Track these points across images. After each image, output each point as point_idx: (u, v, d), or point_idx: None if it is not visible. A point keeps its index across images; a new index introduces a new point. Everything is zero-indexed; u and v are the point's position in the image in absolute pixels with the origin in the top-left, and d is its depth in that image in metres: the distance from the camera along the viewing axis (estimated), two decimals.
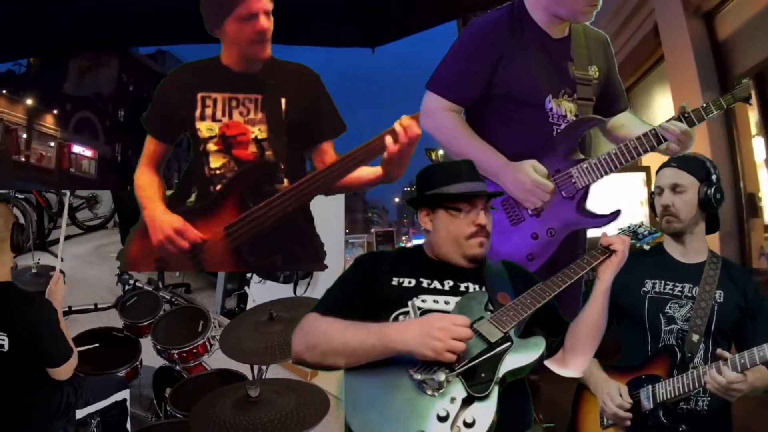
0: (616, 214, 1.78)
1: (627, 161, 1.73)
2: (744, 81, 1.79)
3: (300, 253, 1.98)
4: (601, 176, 1.73)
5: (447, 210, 1.40)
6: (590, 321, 1.35)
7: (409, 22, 5.00)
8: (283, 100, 1.91)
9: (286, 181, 1.90)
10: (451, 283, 1.39)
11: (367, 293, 1.39)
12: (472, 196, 1.39)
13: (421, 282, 1.39)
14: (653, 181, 1.74)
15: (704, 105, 1.74)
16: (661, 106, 4.91)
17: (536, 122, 1.76)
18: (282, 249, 1.92)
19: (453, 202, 1.40)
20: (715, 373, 1.41)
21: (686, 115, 1.72)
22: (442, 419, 1.14)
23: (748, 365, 1.40)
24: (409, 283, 1.39)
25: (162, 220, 1.88)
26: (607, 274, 1.36)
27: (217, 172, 1.91)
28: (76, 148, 27.78)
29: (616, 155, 1.72)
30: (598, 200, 1.85)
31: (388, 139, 1.84)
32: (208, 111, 1.89)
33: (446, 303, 1.35)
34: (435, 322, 1.20)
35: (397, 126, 1.84)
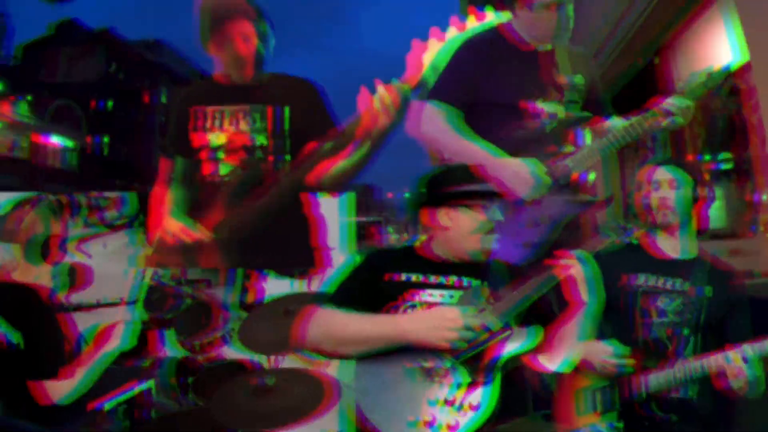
0: (609, 200, 1.84)
1: (625, 142, 1.73)
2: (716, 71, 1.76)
3: (290, 253, 1.88)
4: (596, 161, 1.75)
5: (472, 207, 1.40)
6: (567, 332, 1.36)
7: None
8: (286, 109, 1.86)
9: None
10: (455, 278, 1.40)
11: (376, 287, 1.39)
12: (491, 195, 1.42)
13: (428, 278, 1.40)
14: None
15: (690, 84, 1.74)
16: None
17: (528, 121, 1.78)
18: (269, 248, 1.78)
19: (478, 199, 1.41)
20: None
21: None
22: (449, 403, 1.18)
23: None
24: (417, 278, 1.39)
25: (165, 225, 1.83)
26: (574, 298, 1.35)
27: (226, 179, 1.84)
28: (56, 139, 25.92)
29: (612, 138, 1.72)
30: None
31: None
32: (217, 123, 1.85)
33: (450, 297, 1.36)
34: (446, 315, 1.25)
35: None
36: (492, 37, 1.82)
